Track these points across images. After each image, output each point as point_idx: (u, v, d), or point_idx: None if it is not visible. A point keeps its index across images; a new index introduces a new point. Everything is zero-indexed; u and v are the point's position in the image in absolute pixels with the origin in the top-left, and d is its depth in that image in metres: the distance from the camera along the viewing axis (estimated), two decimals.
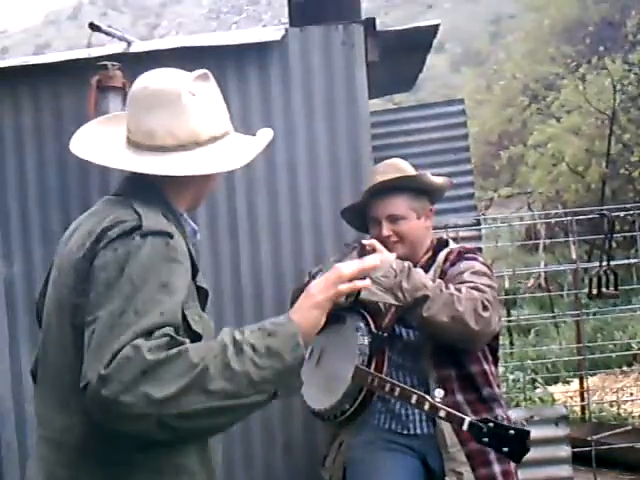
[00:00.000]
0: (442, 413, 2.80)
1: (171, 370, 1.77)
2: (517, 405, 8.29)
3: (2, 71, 4.54)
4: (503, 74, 23.15)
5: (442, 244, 3.54)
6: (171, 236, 2.00)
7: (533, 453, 4.57)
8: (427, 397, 2.86)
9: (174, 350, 1.80)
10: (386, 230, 3.41)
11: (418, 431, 3.36)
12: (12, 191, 4.52)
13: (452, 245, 3.53)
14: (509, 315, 10.65)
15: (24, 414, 4.40)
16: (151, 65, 4.32)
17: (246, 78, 4.43)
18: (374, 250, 3.27)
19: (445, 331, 3.15)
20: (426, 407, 2.86)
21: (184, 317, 1.99)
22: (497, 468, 3.26)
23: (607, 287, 5.63)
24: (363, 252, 3.29)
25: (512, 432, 2.60)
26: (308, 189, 4.43)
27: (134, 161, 2.15)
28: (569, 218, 7.35)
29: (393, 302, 3.17)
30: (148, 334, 1.81)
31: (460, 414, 2.77)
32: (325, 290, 2.05)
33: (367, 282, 2.11)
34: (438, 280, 3.23)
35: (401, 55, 5.25)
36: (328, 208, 4.41)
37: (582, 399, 8.40)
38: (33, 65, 4.51)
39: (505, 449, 2.61)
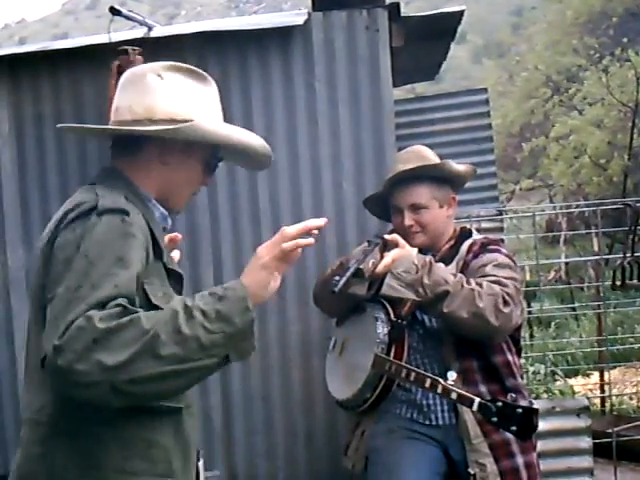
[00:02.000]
0: (454, 395, 2.85)
1: (122, 337, 1.81)
2: (537, 397, 8.24)
3: (22, 57, 4.51)
4: (525, 65, 23.00)
5: (465, 234, 3.51)
6: (127, 213, 2.05)
7: (554, 444, 4.67)
8: (439, 380, 2.89)
9: (125, 318, 1.84)
10: (408, 219, 3.39)
11: (440, 422, 3.35)
12: (33, 180, 4.51)
13: (475, 235, 3.50)
14: (529, 307, 10.59)
15: None
16: (171, 50, 4.37)
17: (268, 64, 4.39)
18: (396, 245, 3.25)
19: (465, 326, 3.14)
20: (439, 390, 2.90)
21: (144, 292, 2.05)
22: (520, 460, 3.25)
23: (631, 278, 5.59)
24: (385, 246, 3.27)
25: (520, 410, 2.66)
26: (331, 177, 4.39)
27: (95, 129, 2.42)
28: (591, 209, 7.28)
29: (414, 297, 3.16)
30: (102, 306, 1.85)
31: (470, 395, 2.82)
32: (271, 250, 2.09)
33: (310, 240, 2.14)
34: (459, 275, 3.21)
35: (425, 42, 5.20)
36: (351, 196, 4.38)
37: (602, 391, 8.35)
38: (53, 51, 4.49)
39: (513, 428, 2.67)
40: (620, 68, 16.96)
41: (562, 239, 16.46)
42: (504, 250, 3.39)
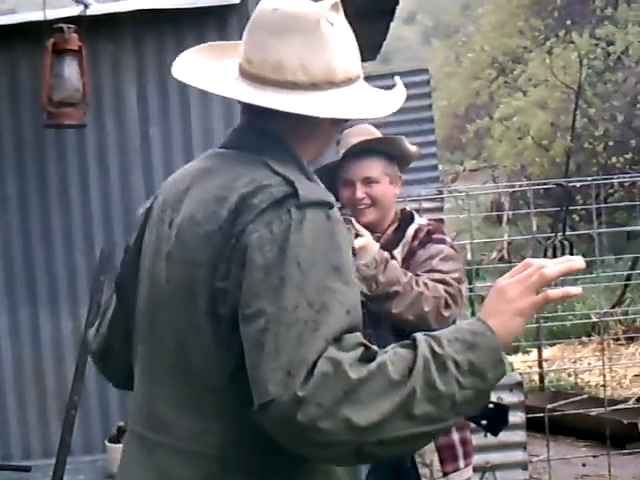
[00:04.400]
0: None
1: (372, 390, 1.49)
2: None
3: None
4: (472, 47, 23.07)
5: (407, 217, 3.49)
6: (331, 206, 1.66)
7: None
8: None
9: (373, 365, 1.51)
10: (360, 192, 3.34)
11: None
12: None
13: (418, 220, 3.49)
14: (470, 284, 10.70)
15: None
16: (109, 28, 4.38)
17: (205, 42, 4.38)
18: (358, 234, 3.21)
19: (407, 325, 3.13)
20: None
21: None
22: (455, 436, 3.30)
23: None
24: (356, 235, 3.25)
25: (491, 406, 2.62)
26: None
27: (259, 96, 1.76)
28: (525, 189, 7.40)
29: (366, 292, 3.15)
30: (337, 339, 1.53)
31: None
32: (528, 293, 1.65)
33: (580, 289, 1.74)
34: (409, 274, 3.22)
35: (364, 21, 5.21)
36: None
37: (540, 368, 8.53)
38: None
39: (484, 422, 2.63)
40: (564, 50, 17.11)
41: (505, 219, 16.62)
42: (449, 240, 3.41)
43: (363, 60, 6.08)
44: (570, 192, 5.63)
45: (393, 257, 3.30)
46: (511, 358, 9.85)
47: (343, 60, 1.79)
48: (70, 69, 4.06)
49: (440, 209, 6.26)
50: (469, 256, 10.15)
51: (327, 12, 1.79)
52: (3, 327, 4.43)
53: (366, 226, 3.32)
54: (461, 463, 3.32)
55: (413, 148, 3.48)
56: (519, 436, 4.76)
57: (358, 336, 1.55)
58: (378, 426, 1.48)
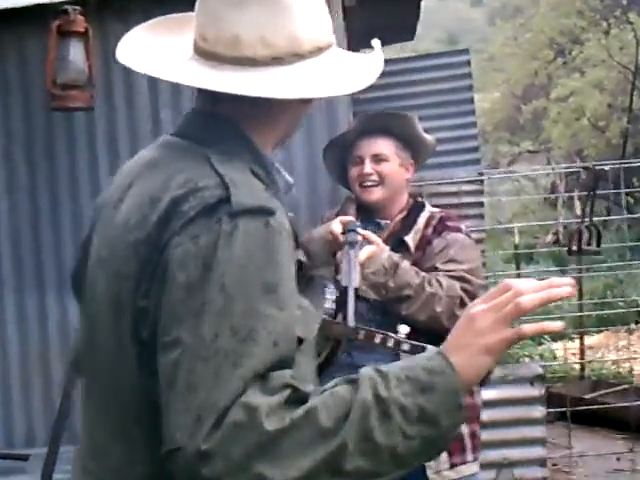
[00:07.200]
0: (405, 346, 2.68)
1: (295, 442, 1.28)
2: (517, 361, 8.21)
3: None
4: (530, 27, 22.77)
5: (419, 206, 3.46)
6: (271, 212, 1.42)
7: (507, 413, 4.62)
8: (390, 334, 2.75)
9: (300, 412, 1.29)
10: (368, 167, 3.36)
11: None
12: None
13: (430, 208, 3.46)
14: (518, 269, 10.51)
15: None
16: (118, 8, 4.28)
17: None
18: (369, 242, 3.17)
19: (419, 326, 3.03)
20: (390, 344, 2.74)
21: None
22: (465, 429, 3.24)
23: (589, 243, 5.52)
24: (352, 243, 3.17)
25: None
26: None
27: (213, 78, 1.54)
28: (556, 171, 7.19)
29: (375, 297, 3.16)
30: (260, 377, 1.31)
31: (423, 344, 2.72)
32: (500, 326, 1.40)
33: (560, 324, 1.45)
34: (422, 274, 3.17)
35: (394, 3, 5.07)
36: (302, 162, 4.31)
37: (582, 357, 8.32)
38: None
39: None
40: (621, 31, 16.76)
41: (560, 202, 16.31)
42: (464, 228, 3.38)
43: (400, 41, 5.93)
44: (599, 176, 5.43)
45: (403, 242, 3.28)
46: (554, 345, 9.66)
47: (309, 28, 1.57)
48: (75, 51, 4.00)
49: (480, 192, 6.13)
50: (517, 240, 9.95)
51: None
52: (10, 313, 4.39)
53: (373, 206, 3.36)
54: (469, 456, 3.27)
55: (428, 136, 3.48)
56: (539, 431, 4.60)
57: (285, 375, 1.34)
58: None
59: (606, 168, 5.68)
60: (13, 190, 4.40)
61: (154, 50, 1.65)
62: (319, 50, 1.59)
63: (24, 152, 4.40)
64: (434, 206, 3.51)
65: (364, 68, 1.65)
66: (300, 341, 1.46)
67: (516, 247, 10.13)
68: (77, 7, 3.98)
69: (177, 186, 1.44)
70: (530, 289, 1.40)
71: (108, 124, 4.39)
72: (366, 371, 1.37)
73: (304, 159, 4.33)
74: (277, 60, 1.53)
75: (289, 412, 1.29)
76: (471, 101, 7.47)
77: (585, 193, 5.78)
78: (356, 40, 4.89)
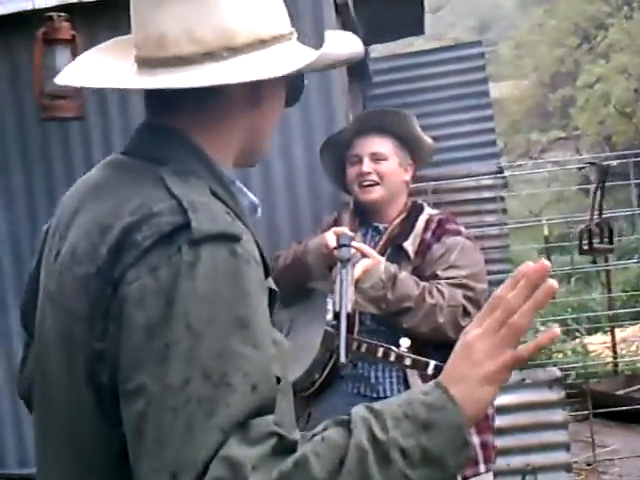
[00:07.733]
0: (407, 361, 2.77)
1: None
2: (549, 358, 8.01)
3: None
4: (554, 14, 22.61)
5: (417, 208, 3.42)
6: (237, 238, 1.27)
7: (526, 417, 4.48)
8: (392, 347, 2.81)
9: (288, 463, 1.14)
10: (367, 167, 3.32)
11: (389, 393, 3.22)
12: None
13: (428, 210, 3.41)
14: (549, 260, 10.29)
15: None
16: (106, 14, 4.16)
17: None
18: (363, 254, 3.12)
19: (422, 338, 3.06)
20: (392, 358, 2.82)
21: None
22: (476, 440, 3.18)
23: (601, 241, 5.35)
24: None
25: None
26: (279, 144, 4.13)
27: (137, 80, 1.43)
28: (575, 167, 6.99)
29: (374, 311, 3.13)
30: (240, 426, 1.16)
31: (425, 359, 2.73)
32: (498, 353, 1.28)
33: (556, 331, 1.34)
34: (422, 284, 3.11)
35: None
36: (302, 163, 4.16)
37: (614, 352, 8.10)
38: None
39: None
40: None
41: (591, 192, 16.06)
42: (464, 230, 3.33)
43: (409, 35, 5.81)
44: (606, 170, 5.26)
45: (403, 249, 3.23)
46: (588, 339, 9.44)
47: (245, 19, 1.41)
48: (62, 59, 3.85)
49: (502, 186, 6.03)
50: (546, 231, 9.76)
51: None
52: (15, 322, 4.25)
53: (371, 206, 3.34)
54: (481, 467, 3.22)
55: (427, 138, 3.44)
56: (561, 435, 4.50)
57: (268, 422, 1.19)
58: None
59: (613, 163, 5.51)
60: (10, 201, 4.31)
61: (101, 66, 1.51)
62: (261, 43, 1.42)
63: (19, 161, 4.29)
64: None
65: (308, 56, 1.46)
66: (278, 380, 1.30)
67: (546, 239, 9.93)
68: (62, 14, 3.85)
69: (129, 212, 1.29)
70: (517, 302, 1.26)
71: (103, 131, 4.28)
72: (358, 411, 1.24)
73: (303, 158, 4.17)
74: (208, 56, 1.38)
75: (276, 464, 1.14)
76: (487, 94, 7.35)
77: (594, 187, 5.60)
78: (360, 38, 4.76)
